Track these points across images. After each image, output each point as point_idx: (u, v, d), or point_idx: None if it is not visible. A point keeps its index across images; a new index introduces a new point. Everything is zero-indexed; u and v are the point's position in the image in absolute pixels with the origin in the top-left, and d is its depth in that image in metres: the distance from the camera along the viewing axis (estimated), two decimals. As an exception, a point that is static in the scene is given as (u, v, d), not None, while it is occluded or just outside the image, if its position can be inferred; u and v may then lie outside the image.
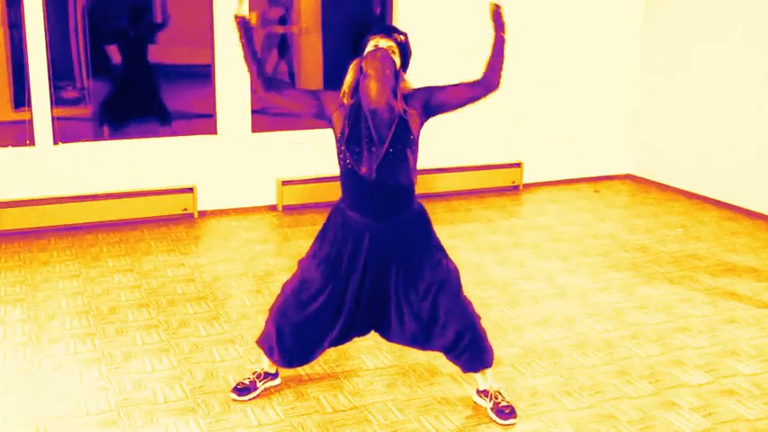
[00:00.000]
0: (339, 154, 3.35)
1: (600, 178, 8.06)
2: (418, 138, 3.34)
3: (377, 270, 3.42)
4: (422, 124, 3.35)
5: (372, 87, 3.20)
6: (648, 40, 7.85)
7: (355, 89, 3.29)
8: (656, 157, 7.90)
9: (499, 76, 3.36)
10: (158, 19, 10.09)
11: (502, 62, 3.36)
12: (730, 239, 6.23)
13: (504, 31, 3.38)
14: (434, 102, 3.34)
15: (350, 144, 3.28)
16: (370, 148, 3.26)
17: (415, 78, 3.44)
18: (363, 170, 3.27)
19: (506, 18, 3.37)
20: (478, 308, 4.68)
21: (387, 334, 3.61)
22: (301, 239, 5.95)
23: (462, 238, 6.16)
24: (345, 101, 3.31)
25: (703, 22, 7.23)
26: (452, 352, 3.52)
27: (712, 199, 7.24)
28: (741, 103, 6.93)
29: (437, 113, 3.38)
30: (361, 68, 3.25)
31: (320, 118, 3.42)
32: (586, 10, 7.66)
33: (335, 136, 3.36)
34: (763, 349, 4.33)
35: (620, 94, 8.01)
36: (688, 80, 7.45)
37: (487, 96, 3.37)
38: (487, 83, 3.36)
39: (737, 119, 6.99)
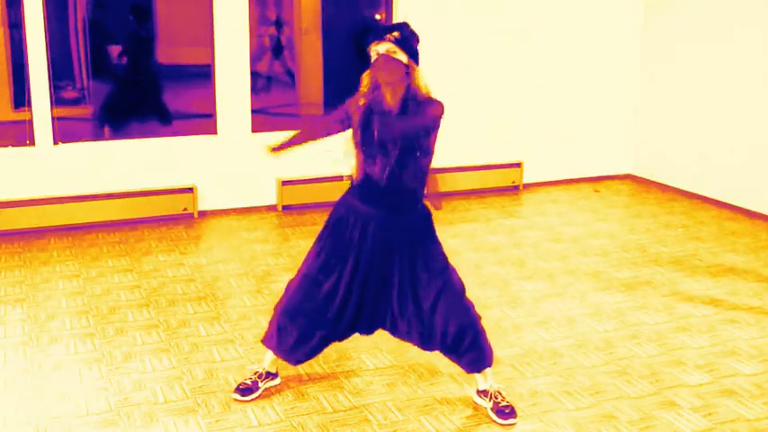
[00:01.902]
0: (354, 148, 3.38)
1: (600, 178, 8.06)
2: (431, 140, 3.38)
3: (381, 260, 3.44)
4: (430, 129, 3.38)
5: (386, 93, 3.26)
6: (648, 40, 7.85)
7: (372, 91, 3.31)
8: (656, 157, 7.90)
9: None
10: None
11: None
12: (730, 239, 6.23)
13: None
14: (428, 130, 3.38)
15: (363, 146, 3.33)
16: (383, 150, 3.29)
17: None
18: (376, 172, 3.32)
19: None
20: (478, 308, 4.69)
21: (393, 330, 3.62)
22: (301, 239, 5.95)
23: (462, 238, 6.16)
24: (361, 102, 3.35)
25: (703, 22, 7.23)
26: (454, 353, 3.53)
27: (712, 199, 7.24)
28: (741, 104, 6.93)
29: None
30: (374, 78, 3.28)
31: (349, 124, 3.46)
32: (586, 10, 7.66)
33: (353, 137, 3.40)
34: (763, 349, 4.33)
35: (620, 94, 8.01)
36: (688, 80, 7.45)
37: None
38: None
39: (737, 119, 6.99)
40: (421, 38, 3.39)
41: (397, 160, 3.30)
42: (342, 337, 3.64)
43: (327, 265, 3.48)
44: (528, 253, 5.84)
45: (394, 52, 3.26)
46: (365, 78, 3.34)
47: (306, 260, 3.58)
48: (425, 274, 3.45)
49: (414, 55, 3.31)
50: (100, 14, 9.01)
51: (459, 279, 3.55)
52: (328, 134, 3.54)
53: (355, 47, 9.12)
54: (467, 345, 3.49)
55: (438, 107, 3.34)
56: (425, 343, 3.56)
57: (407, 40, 3.29)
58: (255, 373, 3.75)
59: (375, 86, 3.28)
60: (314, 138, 3.58)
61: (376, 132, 3.28)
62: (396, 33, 3.27)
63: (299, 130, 3.61)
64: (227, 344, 4.28)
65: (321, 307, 3.49)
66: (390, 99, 3.27)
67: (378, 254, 3.44)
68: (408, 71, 3.28)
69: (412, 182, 3.36)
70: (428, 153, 3.38)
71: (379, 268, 3.46)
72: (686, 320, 4.68)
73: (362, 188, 3.42)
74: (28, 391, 3.75)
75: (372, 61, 3.29)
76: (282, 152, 3.61)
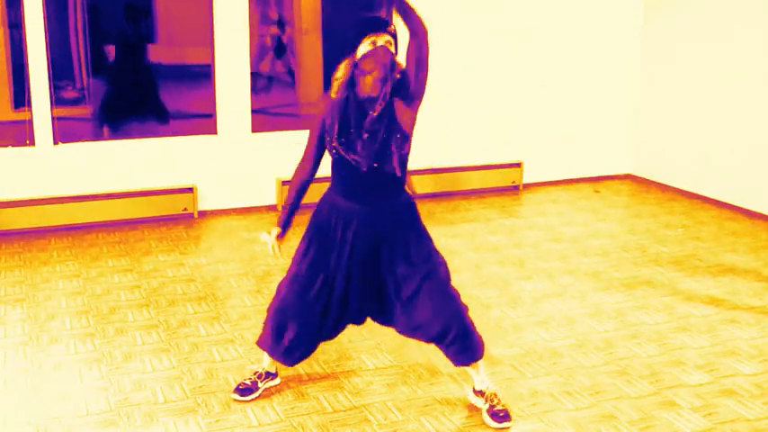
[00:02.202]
0: (330, 148, 3.37)
1: (600, 178, 8.06)
2: (410, 126, 3.34)
3: (366, 254, 3.43)
4: (410, 108, 3.33)
5: (369, 82, 3.26)
6: (648, 39, 7.85)
7: (348, 84, 3.30)
8: (656, 157, 7.90)
9: (416, 21, 3.17)
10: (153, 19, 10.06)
11: (410, 13, 3.16)
12: (730, 239, 6.23)
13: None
14: (408, 80, 3.29)
15: (341, 136, 3.31)
16: (362, 137, 3.29)
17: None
18: (358, 159, 3.30)
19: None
20: (478, 308, 4.69)
21: (382, 319, 3.61)
22: (301, 239, 5.95)
23: (462, 238, 6.16)
24: (334, 95, 3.32)
25: (703, 22, 7.23)
26: (441, 343, 3.52)
27: (712, 199, 7.24)
28: (741, 103, 6.93)
29: (414, 84, 3.29)
30: (356, 66, 3.25)
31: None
32: (586, 10, 7.66)
33: (326, 129, 3.37)
34: (763, 349, 4.33)
35: (620, 93, 8.01)
36: (688, 80, 7.45)
37: (427, 44, 3.21)
38: (415, 32, 3.19)
39: (737, 119, 6.99)
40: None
41: (378, 143, 3.28)
42: (331, 334, 3.63)
43: (314, 264, 3.48)
44: (528, 253, 5.84)
45: (390, 44, 3.28)
46: (343, 69, 3.29)
47: (293, 261, 3.59)
48: (407, 264, 3.43)
49: (397, 48, 3.36)
50: (99, 14, 9.01)
51: (446, 269, 3.52)
52: (318, 163, 3.52)
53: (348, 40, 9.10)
54: (452, 336, 3.46)
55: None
56: (411, 332, 3.54)
57: (396, 34, 3.34)
58: (255, 374, 3.75)
59: (359, 76, 3.26)
60: (305, 183, 3.56)
61: (361, 119, 3.28)
62: (393, 27, 3.32)
63: (288, 193, 3.61)
64: (227, 344, 4.28)
65: (311, 307, 3.49)
66: (371, 87, 3.27)
67: (362, 249, 3.43)
68: (394, 65, 3.28)
69: (393, 168, 3.33)
70: (407, 138, 3.35)
71: (364, 264, 3.45)
72: (686, 320, 4.68)
73: (344, 184, 3.42)
74: (28, 391, 3.75)
75: (368, 51, 3.24)
76: (286, 228, 3.61)
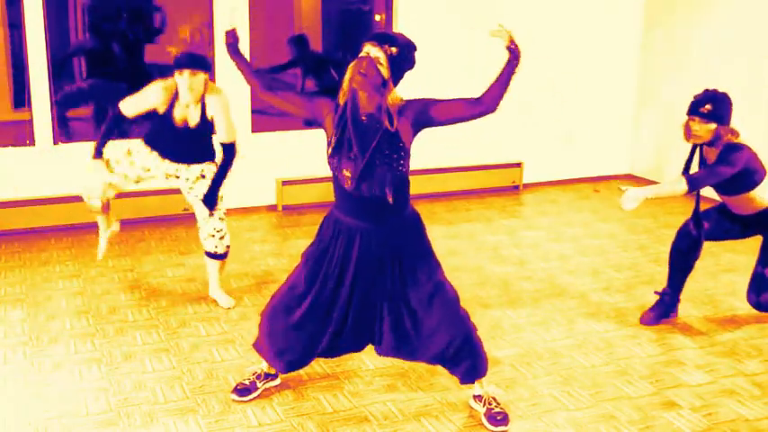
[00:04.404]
0: (328, 161, 3.33)
1: (600, 178, 8.06)
2: (409, 149, 3.27)
3: (368, 274, 3.40)
4: (413, 135, 3.29)
5: (361, 97, 3.19)
6: (648, 39, 7.85)
7: (352, 90, 3.24)
8: (656, 157, 7.91)
9: (499, 102, 3.31)
10: (156, 22, 10.04)
11: (506, 89, 3.31)
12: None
13: (517, 60, 3.32)
14: (428, 114, 3.27)
15: (336, 153, 3.26)
16: (353, 158, 3.22)
17: (413, 85, 3.42)
18: (346, 180, 3.26)
19: (521, 47, 3.30)
20: (478, 308, 4.70)
21: (381, 347, 3.57)
22: (301, 239, 5.95)
23: (462, 238, 6.16)
24: (341, 100, 3.26)
25: (703, 23, 7.23)
26: (449, 363, 3.50)
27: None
28: (740, 104, 6.92)
29: (429, 126, 3.30)
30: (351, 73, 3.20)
31: (313, 122, 3.43)
32: (586, 10, 7.66)
33: (327, 142, 3.34)
34: (763, 349, 4.33)
35: (620, 93, 8.01)
36: (687, 80, 7.45)
37: (481, 117, 3.32)
38: (486, 105, 3.29)
39: (736, 119, 6.97)
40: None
41: (369, 166, 3.21)
42: (327, 353, 3.60)
43: (312, 278, 3.45)
44: (528, 253, 5.84)
45: (380, 63, 3.16)
46: (348, 71, 3.20)
47: (293, 271, 3.58)
48: (416, 286, 3.39)
49: (397, 76, 3.23)
50: (99, 14, 9.00)
51: (453, 289, 3.50)
52: (274, 91, 3.43)
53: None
54: (462, 356, 3.46)
55: (416, 104, 3.29)
56: (418, 355, 3.51)
57: (397, 59, 3.19)
58: (254, 374, 3.75)
59: (351, 88, 3.19)
60: (256, 70, 3.51)
61: (354, 138, 3.21)
62: (394, 49, 3.19)
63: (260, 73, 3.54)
64: (227, 344, 4.28)
65: (303, 316, 3.47)
66: (365, 101, 3.20)
67: (364, 268, 3.38)
68: (385, 86, 3.18)
69: (389, 188, 3.24)
70: (403, 156, 3.26)
71: (366, 282, 3.41)
72: (686, 320, 4.68)
73: (341, 200, 3.37)
74: (28, 390, 3.75)
75: (358, 56, 3.19)
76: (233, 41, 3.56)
